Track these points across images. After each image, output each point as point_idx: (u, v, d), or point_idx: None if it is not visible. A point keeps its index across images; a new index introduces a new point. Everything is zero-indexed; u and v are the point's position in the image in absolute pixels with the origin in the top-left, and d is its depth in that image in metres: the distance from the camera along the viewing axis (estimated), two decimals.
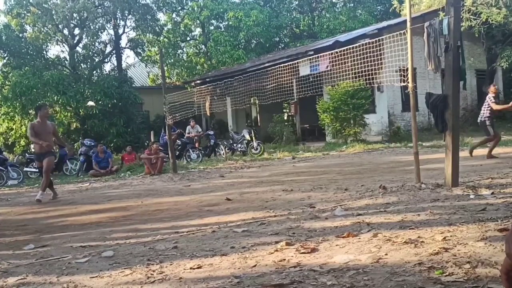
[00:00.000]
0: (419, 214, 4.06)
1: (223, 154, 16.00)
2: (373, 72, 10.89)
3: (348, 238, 3.40)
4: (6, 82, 21.07)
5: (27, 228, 5.40)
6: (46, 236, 4.75)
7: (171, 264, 3.12)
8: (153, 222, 5.08)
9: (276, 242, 3.45)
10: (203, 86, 16.90)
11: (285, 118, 24.80)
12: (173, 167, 11.62)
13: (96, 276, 2.97)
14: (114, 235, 4.49)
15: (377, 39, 7.98)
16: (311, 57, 16.82)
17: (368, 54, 9.80)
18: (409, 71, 5.98)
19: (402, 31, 6.56)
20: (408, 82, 6.02)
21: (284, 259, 2.97)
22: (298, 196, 6.13)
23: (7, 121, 20.86)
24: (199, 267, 2.98)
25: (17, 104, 19.80)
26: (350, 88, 15.92)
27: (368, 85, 15.29)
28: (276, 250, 3.23)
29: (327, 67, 16.88)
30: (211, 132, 17.05)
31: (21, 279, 3.05)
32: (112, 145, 20.38)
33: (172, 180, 10.19)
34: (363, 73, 12.94)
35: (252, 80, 18.32)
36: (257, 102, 23.32)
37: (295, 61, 16.32)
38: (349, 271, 2.59)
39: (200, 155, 15.01)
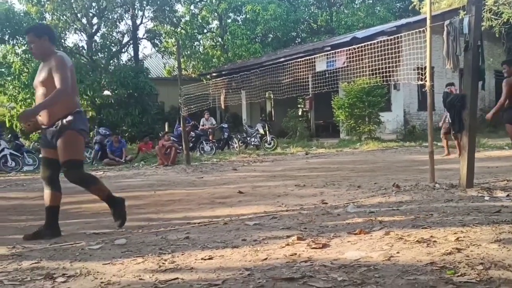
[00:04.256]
0: (432, 214, 4.03)
1: (237, 147, 16.05)
2: (390, 69, 10.79)
3: (360, 235, 3.39)
4: (25, 69, 21.31)
5: (42, 214, 5.46)
6: (60, 222, 4.79)
7: (182, 254, 3.14)
8: (165, 212, 5.13)
9: (288, 237, 3.45)
10: (218, 79, 16.91)
11: (300, 113, 24.75)
12: (186, 159, 11.69)
13: (109, 263, 3.00)
14: (126, 223, 4.52)
15: (395, 36, 7.90)
16: (328, 53, 16.73)
17: (386, 52, 9.70)
18: (427, 70, 5.92)
19: (421, 29, 6.49)
20: (425, 81, 5.96)
21: (295, 254, 2.97)
22: (311, 191, 6.12)
23: (24, 108, 21.12)
24: (210, 258, 3.00)
25: (34, 91, 20.03)
26: (366, 85, 15.82)
27: (384, 83, 15.19)
28: (288, 244, 3.23)
29: (344, 63, 16.76)
30: (225, 125, 17.09)
31: (35, 263, 3.09)
32: (126, 134, 20.53)
33: (185, 172, 10.25)
34: (380, 71, 12.83)
35: (268, 74, 18.27)
36: (272, 96, 23.27)
37: (312, 57, 16.25)
38: (360, 268, 2.59)
39: (214, 147, 15.06)
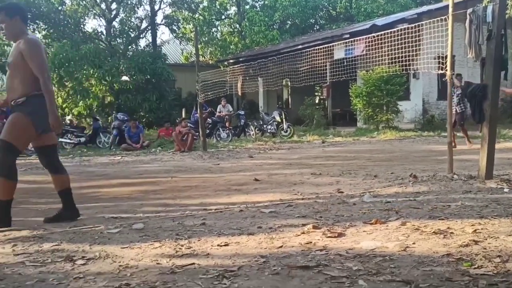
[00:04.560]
0: (449, 205, 4.00)
1: (253, 134, 16.06)
2: (410, 58, 10.65)
3: (375, 225, 3.39)
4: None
5: None
6: (79, 205, 4.85)
7: (199, 240, 3.18)
8: (182, 198, 5.17)
9: (303, 225, 3.46)
10: (236, 66, 16.90)
11: (317, 101, 24.63)
12: (203, 145, 11.75)
13: (127, 247, 3.06)
14: (144, 208, 4.59)
15: (416, 24, 7.79)
16: (346, 40, 16.56)
17: (406, 40, 9.57)
18: (448, 59, 5.82)
19: (443, 17, 6.37)
20: (446, 70, 5.87)
21: (311, 242, 2.99)
22: (327, 180, 6.12)
23: None
24: (226, 245, 3.03)
25: (55, 75, 20.27)
26: (384, 74, 15.65)
27: (403, 71, 15.00)
28: (303, 233, 3.24)
29: (363, 51, 16.59)
30: (242, 112, 17.09)
31: (56, 245, 3.16)
32: (144, 120, 20.69)
33: (202, 158, 10.31)
34: (399, 59, 12.68)
35: (286, 61, 18.16)
36: (289, 84, 23.16)
37: (330, 44, 16.10)
38: (375, 258, 2.59)
39: (230, 134, 15.10)
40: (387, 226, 3.35)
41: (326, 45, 14.02)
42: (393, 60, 14.53)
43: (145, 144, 13.50)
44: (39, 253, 2.99)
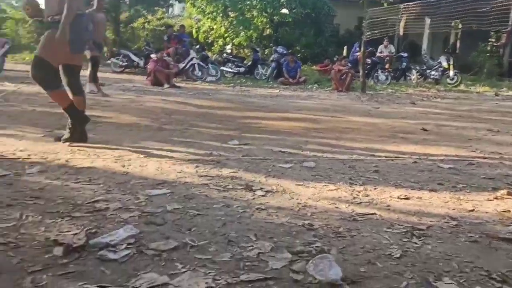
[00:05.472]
0: None
1: (414, 79, 15.03)
2: None
3: None
4: None
5: (228, 124, 5.81)
6: (246, 135, 5.02)
7: (375, 189, 3.01)
8: (345, 140, 5.00)
9: (494, 189, 3.08)
10: (410, 4, 15.63)
11: (488, 48, 22.00)
12: (362, 86, 11.32)
13: (301, 185, 3.02)
14: (309, 146, 4.53)
15: None
16: None
17: None
18: None
19: None
20: None
21: (509, 211, 2.62)
22: (508, 139, 5.44)
23: (210, 21, 22.38)
24: (407, 198, 2.81)
25: (220, 5, 20.98)
26: None
27: None
28: (496, 198, 2.87)
29: None
30: (405, 54, 15.95)
31: (233, 172, 3.26)
32: (299, 55, 20.61)
33: (360, 100, 9.97)
34: None
35: (461, 0, 16.35)
36: (460, 26, 20.89)
37: None
38: None
39: (389, 77, 14.33)
40: None
41: None
42: None
43: (302, 79, 13.48)
44: (220, 177, 3.10)
